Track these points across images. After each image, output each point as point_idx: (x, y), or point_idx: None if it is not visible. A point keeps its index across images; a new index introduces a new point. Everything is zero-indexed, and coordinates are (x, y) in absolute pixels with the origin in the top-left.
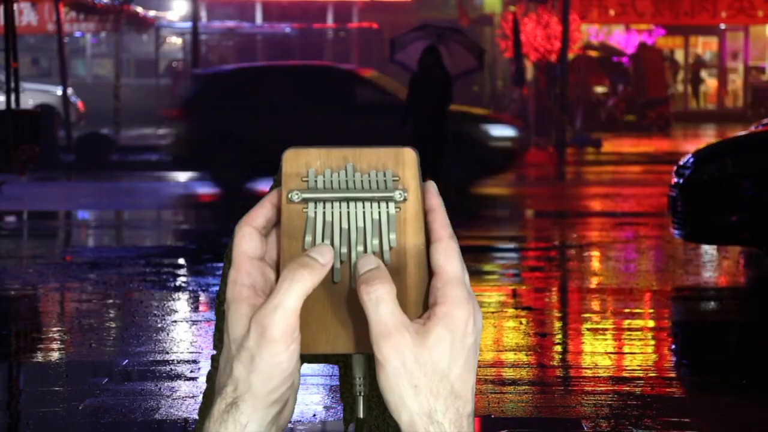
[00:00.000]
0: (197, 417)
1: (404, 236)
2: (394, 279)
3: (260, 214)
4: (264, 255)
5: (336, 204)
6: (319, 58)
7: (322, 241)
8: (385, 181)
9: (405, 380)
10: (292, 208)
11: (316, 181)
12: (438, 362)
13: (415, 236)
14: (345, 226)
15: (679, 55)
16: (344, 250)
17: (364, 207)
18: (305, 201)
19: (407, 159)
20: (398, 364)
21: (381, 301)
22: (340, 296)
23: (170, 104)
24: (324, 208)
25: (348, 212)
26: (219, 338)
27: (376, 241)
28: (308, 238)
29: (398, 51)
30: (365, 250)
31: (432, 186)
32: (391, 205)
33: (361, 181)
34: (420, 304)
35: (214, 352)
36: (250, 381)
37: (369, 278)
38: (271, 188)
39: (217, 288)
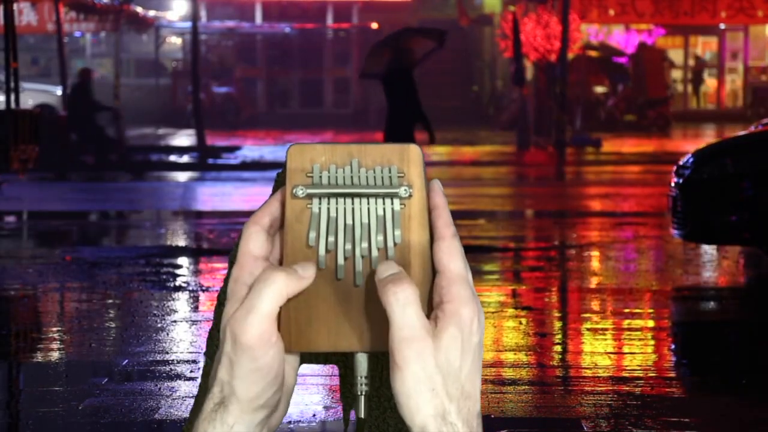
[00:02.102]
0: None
1: (409, 233)
2: None
3: (266, 213)
4: (269, 255)
5: (340, 200)
6: (319, 58)
7: (326, 236)
8: (390, 177)
9: (423, 385)
10: (296, 203)
11: (320, 176)
12: (452, 363)
13: (420, 233)
14: (349, 222)
15: (679, 55)
16: (348, 246)
17: (368, 203)
18: (309, 197)
19: (412, 156)
20: (418, 369)
21: (409, 304)
22: (344, 294)
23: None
24: (328, 203)
25: (353, 208)
26: (218, 338)
27: (380, 237)
28: (312, 234)
29: (363, 68)
30: (369, 247)
31: (437, 184)
32: (396, 201)
33: (366, 177)
34: (425, 302)
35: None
36: (233, 386)
37: (395, 279)
38: (275, 187)
39: (217, 288)
